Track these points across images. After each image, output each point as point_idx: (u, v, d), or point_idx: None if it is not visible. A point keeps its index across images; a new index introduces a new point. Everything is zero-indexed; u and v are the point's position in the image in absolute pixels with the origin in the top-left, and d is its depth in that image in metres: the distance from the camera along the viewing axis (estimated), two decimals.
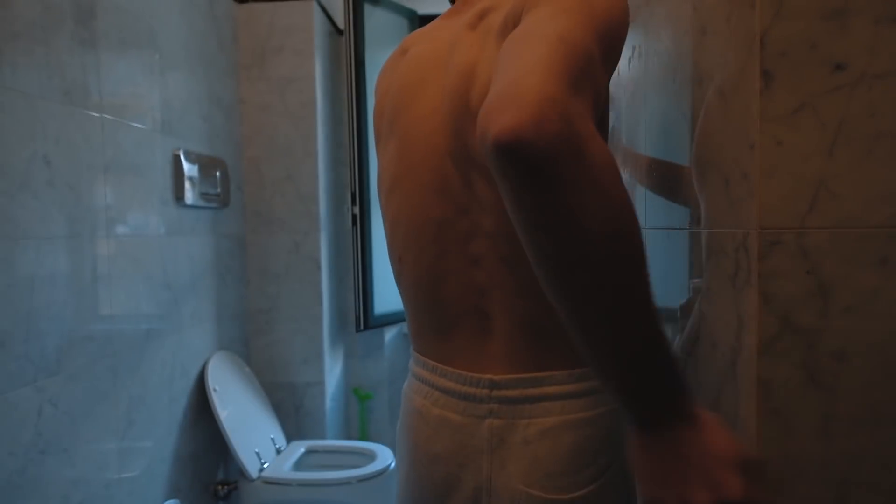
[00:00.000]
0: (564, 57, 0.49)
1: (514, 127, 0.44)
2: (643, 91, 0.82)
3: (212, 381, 2.07)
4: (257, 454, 2.12)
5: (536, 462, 0.69)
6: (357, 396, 2.92)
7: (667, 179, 0.78)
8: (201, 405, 2.07)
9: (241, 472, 2.05)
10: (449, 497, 0.75)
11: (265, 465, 2.11)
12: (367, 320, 2.69)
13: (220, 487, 2.19)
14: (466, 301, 0.74)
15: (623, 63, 0.91)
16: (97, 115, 1.51)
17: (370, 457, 2.22)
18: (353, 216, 2.75)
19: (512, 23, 0.64)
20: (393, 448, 2.06)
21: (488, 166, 0.49)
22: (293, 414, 2.55)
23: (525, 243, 0.51)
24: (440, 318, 0.77)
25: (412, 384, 0.83)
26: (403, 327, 2.98)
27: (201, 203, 2.06)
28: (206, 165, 2.10)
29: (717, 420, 0.50)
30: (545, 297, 0.54)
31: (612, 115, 0.99)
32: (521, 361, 0.71)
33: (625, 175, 0.93)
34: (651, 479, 0.53)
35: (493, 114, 0.46)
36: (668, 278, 0.75)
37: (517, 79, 0.47)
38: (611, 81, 0.98)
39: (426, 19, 2.96)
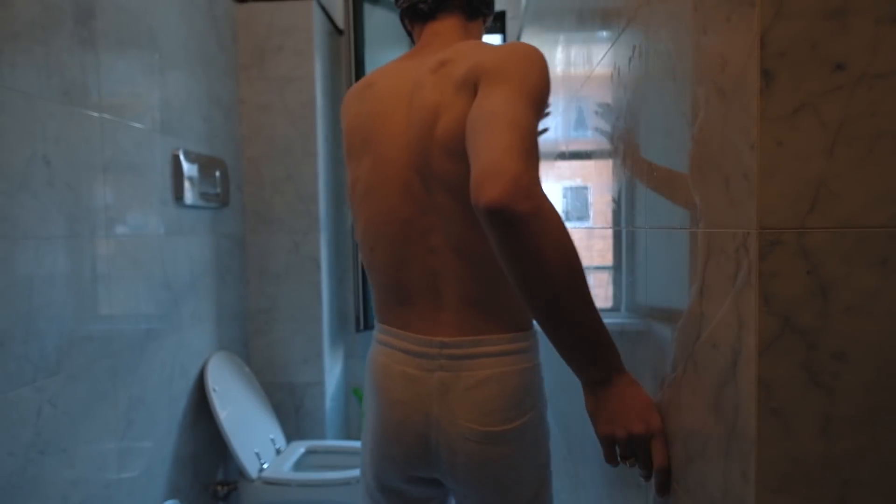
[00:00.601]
0: (521, 140, 0.73)
1: (496, 198, 0.68)
2: (643, 91, 0.82)
3: (211, 382, 2.07)
4: (257, 454, 2.12)
5: (475, 404, 0.93)
6: (357, 396, 2.92)
7: (666, 181, 0.78)
8: (201, 405, 2.07)
9: (241, 473, 2.05)
10: (405, 434, 0.97)
11: (265, 466, 2.11)
12: (367, 320, 2.70)
13: (219, 488, 2.19)
14: (424, 281, 0.97)
15: (623, 63, 0.91)
16: (96, 114, 1.51)
17: None
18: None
19: (471, 82, 0.86)
20: None
21: (480, 220, 0.71)
22: (293, 414, 2.55)
23: (505, 268, 0.73)
24: (403, 294, 0.99)
25: (376, 348, 1.04)
26: None
27: (201, 203, 2.06)
28: (206, 165, 2.10)
29: (633, 378, 0.76)
30: (485, 280, 0.92)
31: (612, 115, 1.00)
32: (465, 327, 0.95)
33: (627, 172, 0.94)
34: (605, 420, 0.75)
35: (483, 188, 0.69)
36: (668, 278, 0.75)
37: (495, 161, 0.70)
38: (610, 81, 0.98)
39: None
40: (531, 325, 0.99)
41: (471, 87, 0.86)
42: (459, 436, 0.93)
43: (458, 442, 0.93)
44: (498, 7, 2.95)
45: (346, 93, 1.09)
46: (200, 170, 2.05)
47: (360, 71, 2.60)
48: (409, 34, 1.11)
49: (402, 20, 1.11)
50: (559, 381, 1.67)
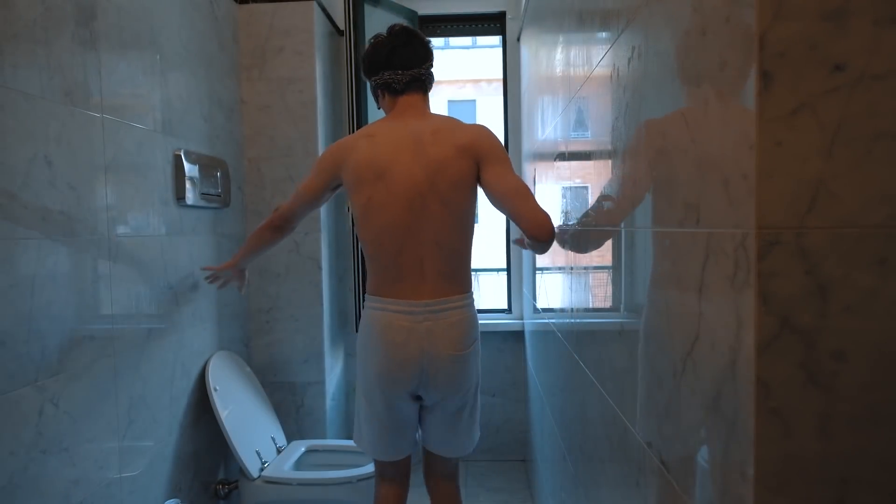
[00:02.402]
0: (534, 198, 1.44)
1: (547, 239, 1.40)
2: (643, 91, 0.82)
3: (212, 381, 2.07)
4: (258, 453, 2.12)
5: (450, 339, 1.52)
6: None
7: (665, 181, 0.78)
8: (202, 405, 2.08)
9: (242, 472, 2.06)
10: (407, 364, 1.52)
11: (266, 465, 2.11)
12: None
13: (220, 487, 2.19)
14: (414, 264, 1.51)
15: (622, 63, 0.91)
16: (98, 115, 1.51)
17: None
18: (353, 216, 2.75)
19: (472, 154, 1.51)
20: None
21: (533, 242, 1.43)
22: (294, 413, 2.56)
23: (536, 251, 1.48)
24: (399, 274, 1.52)
25: (373, 314, 1.55)
26: None
27: (202, 203, 2.06)
28: (207, 165, 2.10)
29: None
30: (453, 261, 1.54)
31: (611, 116, 1.00)
32: (440, 292, 1.52)
33: (626, 172, 0.94)
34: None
35: (539, 233, 1.39)
36: (667, 278, 0.76)
37: (538, 218, 1.39)
38: (610, 81, 0.99)
39: (426, 20, 2.96)
40: (472, 287, 1.61)
41: (471, 156, 1.50)
42: (442, 359, 1.52)
43: (442, 363, 1.52)
44: (498, 7, 2.95)
45: (344, 141, 1.59)
46: (201, 170, 2.05)
47: (360, 71, 2.60)
48: (376, 98, 1.66)
49: (373, 90, 1.64)
50: (559, 381, 1.67)
